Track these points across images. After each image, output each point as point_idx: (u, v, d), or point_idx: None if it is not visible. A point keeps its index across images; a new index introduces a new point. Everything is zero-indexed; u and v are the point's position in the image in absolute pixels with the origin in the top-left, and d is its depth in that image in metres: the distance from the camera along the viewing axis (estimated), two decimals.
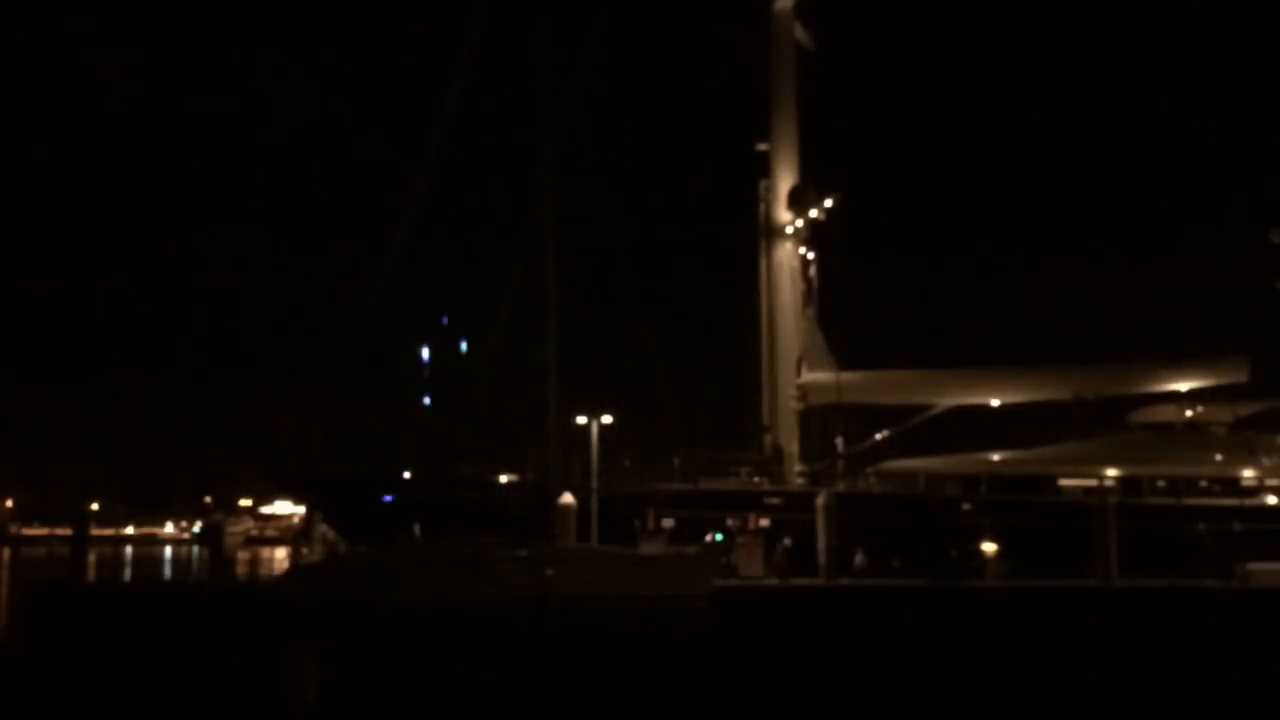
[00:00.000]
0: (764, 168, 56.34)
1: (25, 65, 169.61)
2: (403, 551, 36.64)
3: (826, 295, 55.00)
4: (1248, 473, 49.49)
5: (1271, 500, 49.05)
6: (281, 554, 76.38)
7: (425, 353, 48.26)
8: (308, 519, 45.76)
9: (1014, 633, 31.27)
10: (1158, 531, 41.40)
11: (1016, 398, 53.65)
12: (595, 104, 46.67)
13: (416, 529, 37.88)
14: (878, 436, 53.19)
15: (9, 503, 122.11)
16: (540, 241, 42.89)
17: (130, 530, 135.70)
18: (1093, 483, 47.70)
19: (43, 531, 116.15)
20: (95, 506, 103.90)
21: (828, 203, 53.84)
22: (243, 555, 74.12)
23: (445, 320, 48.27)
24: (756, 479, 50.85)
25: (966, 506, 46.62)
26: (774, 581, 38.85)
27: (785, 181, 55.38)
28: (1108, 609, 35.81)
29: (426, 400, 45.59)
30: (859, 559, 40.87)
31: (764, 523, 42.68)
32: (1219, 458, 49.78)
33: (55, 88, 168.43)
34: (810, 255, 55.05)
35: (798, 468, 52.15)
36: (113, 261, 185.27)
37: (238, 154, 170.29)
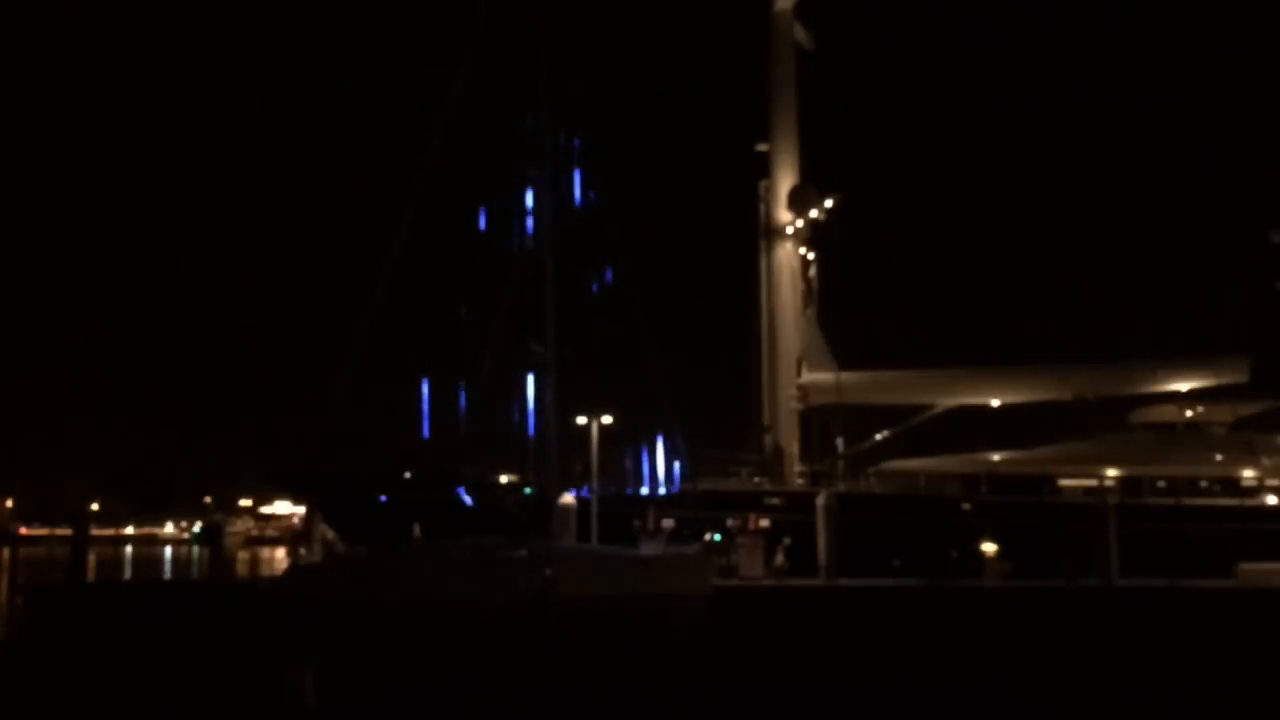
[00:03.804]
0: (764, 168, 56.38)
1: (28, 68, 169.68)
2: (403, 552, 36.60)
3: (826, 295, 55.12)
4: (1248, 473, 49.48)
5: (1271, 500, 49.04)
6: (281, 554, 76.37)
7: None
8: (308, 519, 45.75)
9: (1014, 633, 31.23)
10: (1158, 532, 41.41)
11: (1016, 398, 53.67)
12: (594, 104, 46.71)
13: (416, 529, 37.85)
14: (878, 436, 53.29)
15: (9, 503, 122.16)
16: (539, 240, 42.91)
17: (130, 530, 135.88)
18: (1093, 483, 47.74)
19: (43, 531, 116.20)
20: (95, 506, 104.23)
21: (828, 203, 53.91)
22: (243, 555, 74.45)
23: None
24: (756, 479, 50.90)
25: (966, 506, 46.64)
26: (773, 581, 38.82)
27: (785, 181, 55.41)
28: (1108, 609, 35.80)
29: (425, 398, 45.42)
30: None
31: (764, 523, 42.70)
32: (1219, 458, 49.77)
33: (54, 90, 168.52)
34: (810, 255, 55.12)
35: (798, 468, 52.19)
36: (113, 261, 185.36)
37: (236, 154, 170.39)
